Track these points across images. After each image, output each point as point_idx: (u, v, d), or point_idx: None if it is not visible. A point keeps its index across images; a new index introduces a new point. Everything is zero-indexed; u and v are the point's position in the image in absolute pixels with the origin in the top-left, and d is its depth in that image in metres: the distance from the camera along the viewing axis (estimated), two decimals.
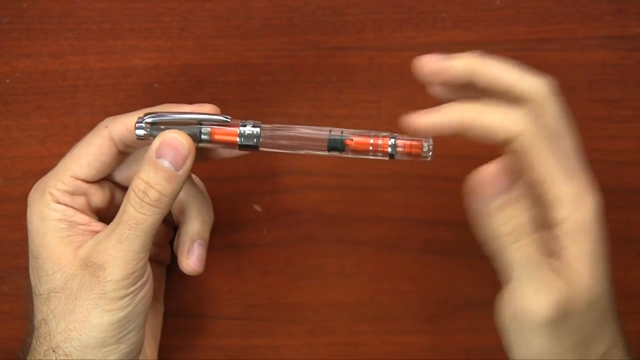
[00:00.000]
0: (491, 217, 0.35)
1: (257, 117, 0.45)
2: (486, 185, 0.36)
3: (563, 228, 0.34)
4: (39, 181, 0.39)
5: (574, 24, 0.45)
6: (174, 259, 0.46)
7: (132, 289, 0.37)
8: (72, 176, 0.38)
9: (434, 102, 0.46)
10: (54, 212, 0.38)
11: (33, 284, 0.38)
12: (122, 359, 0.37)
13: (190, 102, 0.45)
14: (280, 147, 0.37)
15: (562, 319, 0.34)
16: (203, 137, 0.37)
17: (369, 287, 0.48)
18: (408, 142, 0.36)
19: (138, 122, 0.37)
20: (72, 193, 0.38)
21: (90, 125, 0.45)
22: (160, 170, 0.36)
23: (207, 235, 0.42)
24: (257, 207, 0.47)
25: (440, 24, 0.45)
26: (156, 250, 0.45)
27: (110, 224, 0.37)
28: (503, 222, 0.35)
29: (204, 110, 0.38)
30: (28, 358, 0.38)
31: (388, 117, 0.46)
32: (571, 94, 0.45)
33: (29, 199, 0.39)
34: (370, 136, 0.37)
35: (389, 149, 0.37)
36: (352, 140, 0.37)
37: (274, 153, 0.37)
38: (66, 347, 0.36)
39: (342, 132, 0.37)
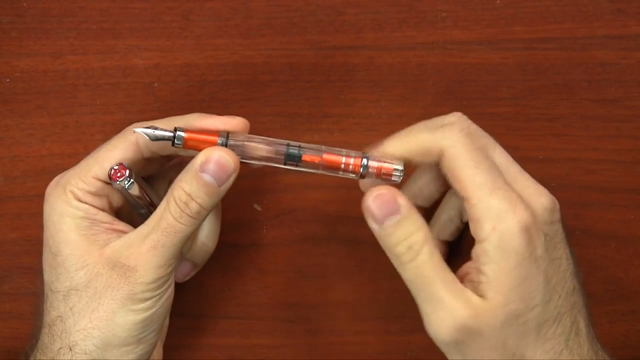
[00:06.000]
0: (386, 237, 0.36)
1: (257, 117, 0.45)
2: (381, 205, 0.36)
3: (483, 245, 0.35)
4: (57, 178, 0.39)
5: (573, 24, 0.45)
6: None
7: (158, 291, 0.37)
8: (94, 177, 0.38)
9: (432, 101, 0.46)
10: (76, 210, 0.37)
11: (48, 280, 0.38)
12: (138, 359, 0.38)
13: (190, 102, 0.46)
14: (252, 159, 0.38)
15: (466, 338, 0.35)
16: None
17: (369, 287, 0.48)
18: (380, 165, 0.37)
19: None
20: (94, 194, 0.38)
21: (91, 125, 0.46)
22: (203, 185, 0.36)
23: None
24: (257, 206, 0.47)
25: (440, 24, 0.45)
26: None
27: (142, 226, 0.37)
28: (398, 241, 0.36)
29: (234, 123, 0.38)
30: (37, 356, 0.38)
31: (388, 116, 0.46)
32: (571, 94, 0.46)
33: (46, 195, 0.38)
34: (342, 155, 0.38)
35: (361, 169, 0.38)
36: (308, 155, 0.38)
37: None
38: (85, 345, 0.36)
39: (299, 146, 0.38)
